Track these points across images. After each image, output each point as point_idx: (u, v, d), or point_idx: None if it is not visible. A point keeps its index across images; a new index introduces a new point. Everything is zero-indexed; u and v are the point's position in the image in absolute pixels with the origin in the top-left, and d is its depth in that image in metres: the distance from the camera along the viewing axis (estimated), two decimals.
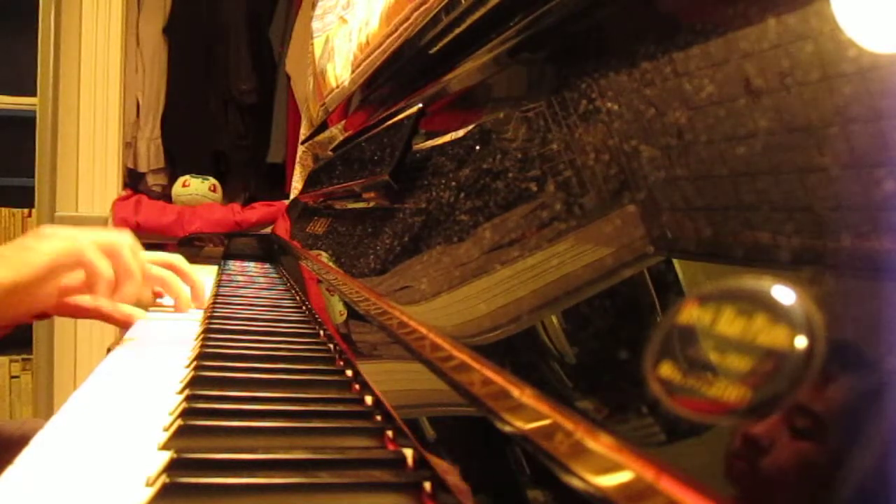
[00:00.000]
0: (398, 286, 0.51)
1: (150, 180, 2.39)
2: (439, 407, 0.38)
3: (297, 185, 1.81)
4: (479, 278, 0.39)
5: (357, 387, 0.49)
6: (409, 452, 0.36)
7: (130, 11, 2.27)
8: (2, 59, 2.35)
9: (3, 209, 2.36)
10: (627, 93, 0.32)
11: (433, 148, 0.60)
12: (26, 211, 2.32)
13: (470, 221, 0.43)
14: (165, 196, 2.37)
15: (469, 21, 0.58)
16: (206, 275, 1.10)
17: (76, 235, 0.62)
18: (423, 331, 0.41)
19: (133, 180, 2.38)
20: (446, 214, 0.48)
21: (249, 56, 2.42)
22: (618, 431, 0.23)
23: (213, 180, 2.35)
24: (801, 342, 0.18)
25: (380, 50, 0.96)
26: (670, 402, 0.21)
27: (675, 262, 0.25)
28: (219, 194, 2.36)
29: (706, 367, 0.20)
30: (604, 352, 0.27)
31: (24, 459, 0.34)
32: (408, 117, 0.69)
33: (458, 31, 0.61)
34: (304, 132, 1.79)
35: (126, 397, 0.47)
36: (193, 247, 1.50)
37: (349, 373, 0.52)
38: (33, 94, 2.10)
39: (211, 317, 0.69)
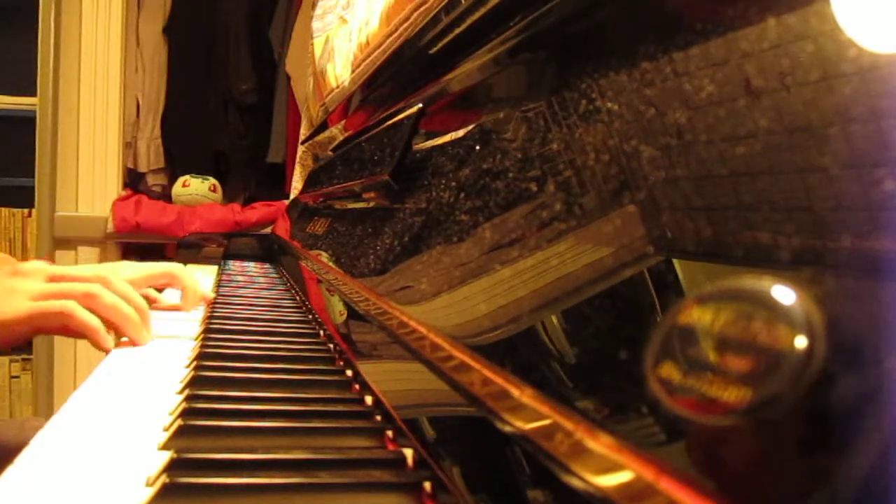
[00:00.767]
0: (398, 286, 0.51)
1: (150, 180, 2.39)
2: (439, 407, 0.38)
3: (297, 185, 1.81)
4: (479, 278, 0.39)
5: (357, 387, 0.49)
6: (409, 452, 0.36)
7: (130, 11, 2.26)
8: (2, 59, 2.35)
9: (3, 209, 2.36)
10: (627, 93, 0.32)
11: (433, 148, 0.60)
12: (26, 211, 2.32)
13: (470, 221, 0.43)
14: (165, 196, 2.37)
15: (469, 21, 0.58)
16: (206, 275, 1.10)
17: (54, 286, 0.59)
18: (423, 331, 0.41)
19: (133, 180, 2.38)
20: (446, 214, 0.48)
21: (249, 56, 2.42)
22: (618, 431, 0.23)
23: (213, 180, 2.35)
24: (801, 342, 0.18)
25: (380, 50, 0.96)
26: (670, 402, 0.21)
27: (675, 262, 0.25)
28: (219, 194, 2.36)
29: (706, 367, 0.20)
30: (604, 352, 0.27)
31: (24, 459, 0.34)
32: (408, 117, 0.69)
33: (458, 31, 0.61)
34: (304, 132, 1.79)
35: (126, 397, 0.47)
36: (193, 247, 1.50)
37: (349, 373, 0.52)
38: (33, 94, 2.10)
39: (211, 317, 0.69)
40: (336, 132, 1.30)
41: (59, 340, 2.08)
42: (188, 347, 0.60)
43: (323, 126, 1.40)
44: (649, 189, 0.28)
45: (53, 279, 0.60)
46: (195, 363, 0.51)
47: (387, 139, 0.75)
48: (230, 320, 0.69)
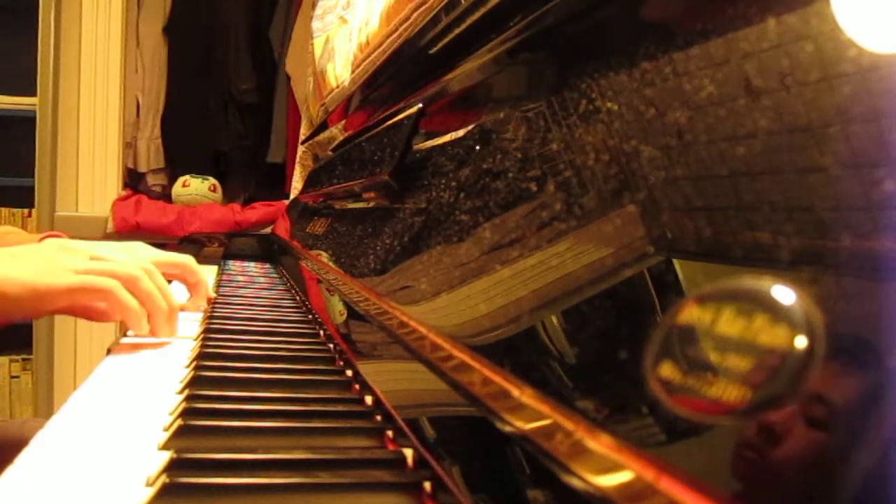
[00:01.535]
0: (398, 286, 0.51)
1: (150, 180, 2.39)
2: (439, 407, 0.38)
3: (297, 185, 1.81)
4: (478, 278, 0.39)
5: (357, 387, 0.49)
6: (409, 452, 0.36)
7: (130, 11, 2.26)
8: (2, 59, 2.35)
9: (3, 209, 2.36)
10: (627, 93, 0.32)
11: (433, 148, 0.60)
12: (26, 211, 2.32)
13: (470, 221, 0.43)
14: (165, 196, 2.37)
15: (469, 21, 0.58)
16: (206, 275, 1.10)
17: (99, 264, 0.60)
18: (423, 331, 0.41)
19: (133, 180, 2.38)
20: (446, 214, 0.48)
21: (249, 56, 2.42)
22: (618, 431, 0.23)
23: (213, 180, 2.35)
24: (801, 342, 0.18)
25: (380, 50, 0.96)
26: (670, 402, 0.21)
27: (675, 262, 0.25)
28: (219, 194, 2.36)
29: (706, 367, 0.20)
30: (604, 352, 0.27)
31: (24, 459, 0.34)
32: (408, 117, 0.69)
33: (458, 31, 0.61)
34: (304, 132, 1.79)
35: (126, 397, 0.47)
36: (193, 247, 1.50)
37: (349, 373, 0.52)
38: (33, 94, 2.10)
39: (211, 317, 0.69)
40: (336, 132, 1.30)
41: (58, 340, 2.09)
42: (188, 347, 0.60)
43: (323, 126, 1.40)
44: (649, 189, 0.28)
45: (96, 259, 0.62)
46: (195, 363, 0.51)
47: (387, 139, 0.75)
48: (230, 320, 0.69)
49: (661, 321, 0.23)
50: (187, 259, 0.78)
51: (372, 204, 0.75)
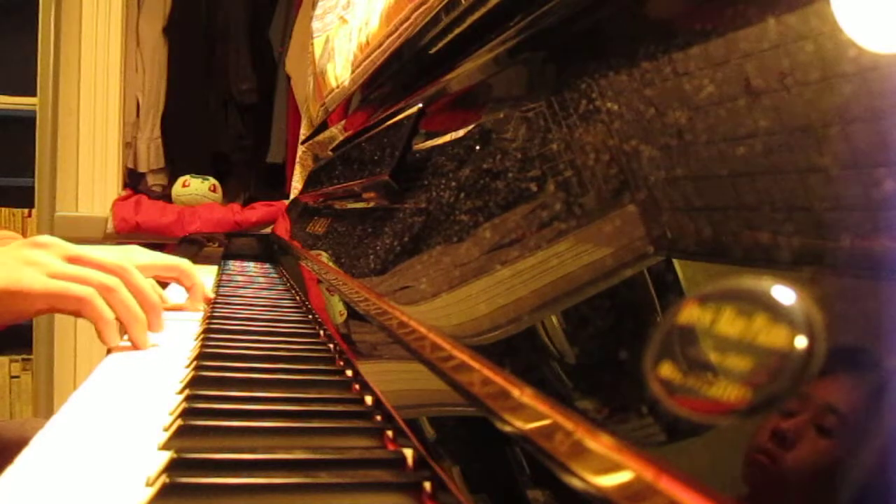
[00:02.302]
0: (398, 286, 0.51)
1: (150, 180, 2.39)
2: (439, 407, 0.38)
3: (297, 185, 1.81)
4: (478, 278, 0.39)
5: (357, 387, 0.49)
6: (409, 452, 0.36)
7: (130, 11, 2.26)
8: (2, 59, 2.35)
9: (3, 209, 2.36)
10: (627, 93, 0.32)
11: (433, 148, 0.60)
12: (26, 211, 2.32)
13: (470, 221, 0.43)
14: (165, 196, 2.37)
15: (469, 21, 0.58)
16: (206, 275, 1.10)
17: (75, 269, 0.58)
18: (423, 331, 0.41)
19: (133, 180, 2.38)
20: (446, 214, 0.48)
21: (249, 56, 2.42)
22: (618, 431, 0.23)
23: (213, 180, 2.35)
24: (801, 342, 0.18)
25: (380, 50, 0.96)
26: (670, 402, 0.21)
27: (675, 262, 0.25)
28: (219, 194, 2.36)
29: (706, 367, 0.20)
30: (604, 352, 0.27)
31: (24, 459, 0.34)
32: (408, 117, 0.69)
33: (458, 31, 0.61)
34: (304, 132, 1.79)
35: (126, 397, 0.47)
36: (193, 247, 1.50)
37: (349, 373, 0.52)
38: (33, 94, 2.10)
39: (211, 317, 0.69)
40: (336, 132, 1.30)
41: (58, 340, 2.09)
42: (188, 347, 0.60)
43: (323, 126, 1.40)
44: (649, 189, 0.28)
45: (72, 260, 0.59)
46: (195, 363, 0.51)
47: (387, 139, 0.75)
48: (230, 320, 0.69)
49: (661, 321, 0.23)
50: (182, 262, 0.78)
51: (372, 204, 0.75)
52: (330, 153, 1.36)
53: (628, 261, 0.27)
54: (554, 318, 0.31)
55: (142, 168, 2.36)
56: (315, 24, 1.50)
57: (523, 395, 0.28)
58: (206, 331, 0.62)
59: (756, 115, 0.24)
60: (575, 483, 0.23)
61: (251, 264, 1.30)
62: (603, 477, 0.22)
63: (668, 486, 0.19)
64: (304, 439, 0.39)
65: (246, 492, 0.32)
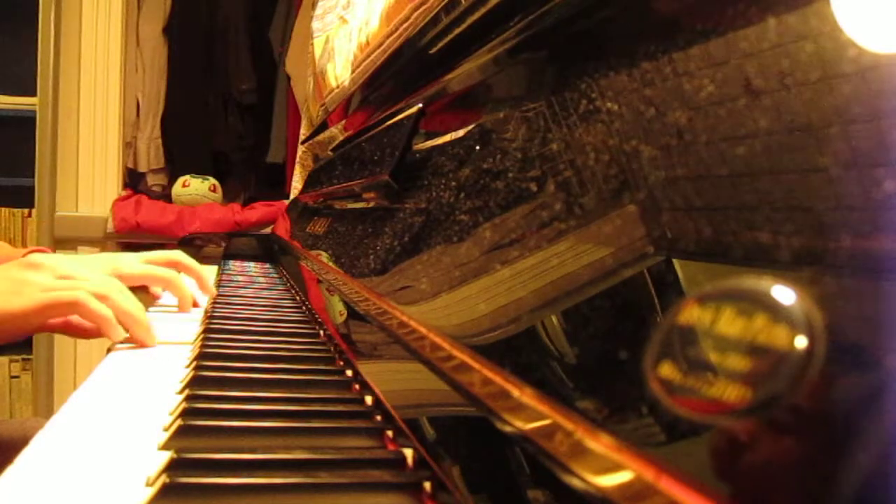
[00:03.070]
0: (398, 286, 0.51)
1: (150, 180, 2.39)
2: (439, 407, 0.38)
3: (297, 185, 1.81)
4: (479, 278, 0.39)
5: (357, 387, 0.49)
6: (409, 452, 0.36)
7: (130, 11, 2.26)
8: (2, 59, 2.35)
9: (3, 209, 2.35)
10: (627, 93, 0.32)
11: (433, 148, 0.60)
12: (26, 211, 2.32)
13: (470, 221, 0.43)
14: (165, 196, 2.37)
15: (469, 21, 0.58)
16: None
17: (70, 281, 0.60)
18: (423, 331, 0.41)
19: (133, 180, 2.38)
20: (446, 214, 0.48)
21: (249, 56, 2.42)
22: (618, 431, 0.23)
23: (213, 180, 2.35)
24: (801, 342, 0.18)
25: (380, 50, 0.96)
26: (670, 402, 0.21)
27: (675, 262, 0.25)
28: (219, 194, 2.36)
29: (706, 367, 0.20)
30: (604, 352, 0.27)
31: (24, 459, 0.34)
32: (408, 117, 0.69)
33: (458, 31, 0.61)
34: (304, 132, 1.79)
35: (126, 397, 0.47)
36: (193, 247, 1.50)
37: (349, 373, 0.52)
38: (33, 94, 2.10)
39: (211, 317, 0.69)
40: (336, 132, 1.30)
41: (58, 340, 2.08)
42: (188, 347, 0.60)
43: (323, 126, 1.40)
44: (649, 189, 0.28)
45: (64, 279, 0.61)
46: (195, 363, 0.51)
47: (387, 139, 0.75)
48: (230, 320, 0.69)
49: (661, 321, 0.23)
50: (173, 255, 0.79)
51: (372, 204, 0.75)
52: (330, 153, 1.36)
53: (628, 261, 0.27)
54: (554, 318, 0.31)
55: (142, 168, 2.36)
56: (315, 24, 1.50)
57: (523, 395, 0.28)
58: (206, 331, 0.62)
59: (756, 115, 0.24)
60: (575, 483, 0.23)
61: (251, 264, 1.30)
62: (603, 477, 0.22)
63: (668, 486, 0.19)
64: (304, 439, 0.39)
65: (246, 492, 0.32)
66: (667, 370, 0.21)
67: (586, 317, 0.29)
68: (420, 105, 0.68)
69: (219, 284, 0.95)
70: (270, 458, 0.35)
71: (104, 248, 2.16)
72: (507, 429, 0.28)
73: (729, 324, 0.20)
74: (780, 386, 0.18)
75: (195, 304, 0.81)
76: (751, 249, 0.22)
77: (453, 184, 0.49)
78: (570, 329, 0.29)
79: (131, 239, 2.18)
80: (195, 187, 2.30)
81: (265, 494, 0.32)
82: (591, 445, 0.23)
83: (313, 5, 1.62)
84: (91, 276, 0.63)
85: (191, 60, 2.37)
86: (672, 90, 0.29)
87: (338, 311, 0.65)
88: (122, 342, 0.62)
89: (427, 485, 0.33)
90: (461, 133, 0.53)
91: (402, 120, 0.73)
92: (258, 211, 2.27)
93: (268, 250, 1.46)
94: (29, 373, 2.21)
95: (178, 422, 0.38)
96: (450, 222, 0.46)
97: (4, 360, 2.24)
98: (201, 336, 0.61)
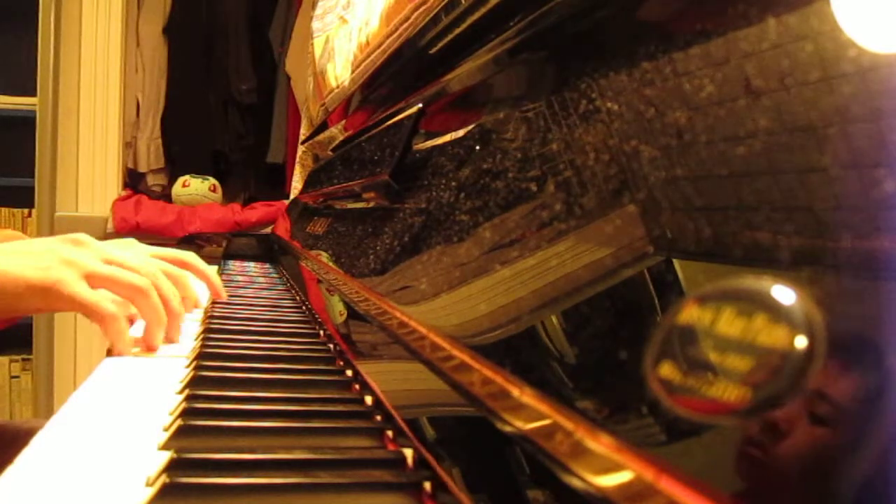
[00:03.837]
0: (398, 286, 0.51)
1: (150, 180, 2.39)
2: (439, 407, 0.38)
3: (297, 185, 1.81)
4: (478, 278, 0.39)
5: (357, 387, 0.49)
6: (409, 452, 0.36)
7: (130, 11, 2.26)
8: (2, 59, 2.35)
9: (3, 209, 2.36)
10: (627, 93, 0.32)
11: (433, 148, 0.60)
12: (26, 211, 2.32)
13: (470, 221, 0.43)
14: (165, 196, 2.37)
15: (469, 21, 0.58)
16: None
17: (110, 271, 0.60)
18: (423, 331, 0.41)
19: (133, 180, 2.38)
20: (446, 214, 0.48)
21: (249, 56, 2.42)
22: (618, 431, 0.23)
23: (213, 180, 2.35)
24: (800, 342, 0.18)
25: (380, 50, 0.96)
26: (670, 402, 0.21)
27: (675, 262, 0.25)
28: (219, 194, 2.36)
29: (706, 367, 0.20)
30: (604, 352, 0.27)
31: (24, 459, 0.34)
32: (408, 117, 0.69)
33: (458, 31, 0.61)
34: (304, 132, 1.79)
35: (126, 397, 0.47)
36: (193, 247, 1.50)
37: (349, 373, 0.52)
38: (33, 94, 2.10)
39: (211, 317, 0.69)
40: (336, 132, 1.30)
41: (58, 340, 2.09)
42: (188, 347, 0.60)
43: (323, 126, 1.40)
44: (649, 189, 0.28)
45: (109, 263, 0.61)
46: (195, 363, 0.51)
47: (387, 139, 0.75)
48: (230, 320, 0.69)
49: (661, 321, 0.23)
50: (178, 271, 0.79)
51: (372, 204, 0.75)
52: (330, 153, 1.36)
53: (628, 261, 0.27)
54: (554, 319, 0.31)
55: (142, 168, 2.36)
56: (315, 24, 1.50)
57: (523, 395, 0.28)
58: (206, 330, 0.62)
59: (756, 115, 0.24)
60: (575, 483, 0.23)
61: (251, 264, 1.30)
62: (603, 477, 0.22)
63: (668, 486, 0.19)
64: (304, 439, 0.39)
65: (246, 492, 0.32)
66: (667, 370, 0.21)
67: (586, 317, 0.29)
68: (420, 105, 0.68)
69: None
70: (270, 458, 0.35)
71: None
72: (507, 429, 0.28)
73: (729, 324, 0.20)
74: (780, 386, 0.18)
75: (196, 305, 0.81)
76: (751, 249, 0.22)
77: (453, 184, 0.49)
78: (570, 329, 0.29)
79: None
80: (195, 187, 2.30)
81: (265, 494, 0.32)
82: (591, 445, 0.23)
83: (313, 5, 1.62)
84: (138, 266, 0.62)
85: (191, 60, 2.37)
86: (672, 90, 0.29)
87: (338, 311, 0.65)
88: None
89: (427, 485, 0.33)
90: (461, 133, 0.53)
91: (401, 120, 0.73)
92: (258, 211, 2.27)
93: (268, 250, 1.46)
94: (29, 373, 2.21)
95: (178, 422, 0.38)
96: (450, 222, 0.46)
97: (4, 360, 2.24)
98: (201, 336, 0.61)
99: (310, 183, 1.46)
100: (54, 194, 2.10)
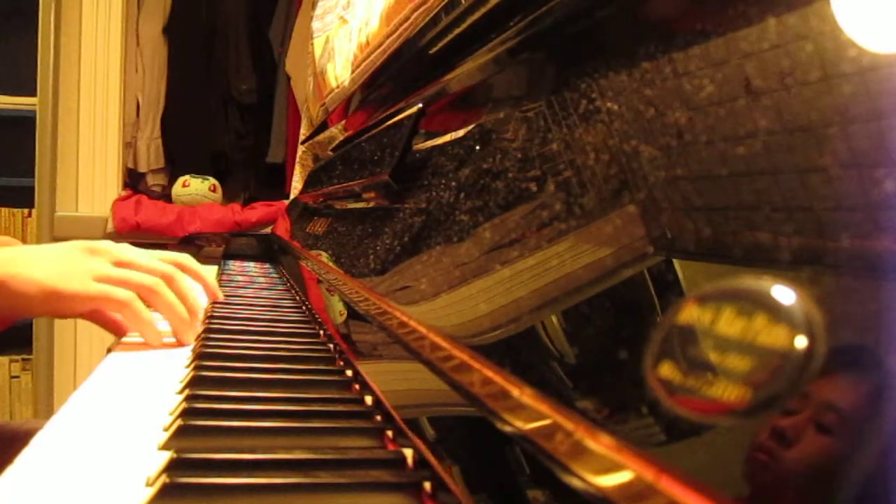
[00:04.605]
0: (398, 286, 0.51)
1: (150, 180, 2.39)
2: (439, 407, 0.38)
3: (297, 185, 1.81)
4: (478, 278, 0.39)
5: (357, 387, 0.49)
6: (409, 452, 0.36)
7: (130, 11, 2.26)
8: (2, 59, 2.35)
9: (3, 209, 2.35)
10: (627, 93, 0.32)
11: (433, 148, 0.60)
12: (26, 211, 2.32)
13: (470, 221, 0.43)
14: (165, 196, 2.37)
15: (469, 21, 0.58)
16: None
17: (122, 272, 0.61)
18: (423, 331, 0.41)
19: (133, 180, 2.38)
20: (446, 214, 0.48)
21: (249, 56, 2.42)
22: (618, 431, 0.23)
23: (213, 180, 2.35)
24: (800, 342, 0.18)
25: (380, 50, 0.96)
26: (670, 402, 0.21)
27: (675, 262, 0.25)
28: (219, 194, 2.36)
29: (706, 367, 0.20)
30: (604, 352, 0.27)
31: (25, 459, 0.34)
32: (408, 117, 0.69)
33: (458, 31, 0.61)
34: (304, 132, 1.79)
35: (126, 397, 0.47)
36: (193, 247, 1.50)
37: (349, 373, 0.52)
38: (33, 94, 2.10)
39: (211, 317, 0.69)
40: (336, 132, 1.30)
41: (58, 340, 2.09)
42: (188, 347, 0.60)
43: (323, 126, 1.40)
44: (649, 189, 0.28)
45: (120, 265, 0.63)
46: (195, 363, 0.51)
47: (387, 139, 0.75)
48: (230, 320, 0.69)
49: (661, 321, 0.23)
50: (172, 271, 0.80)
51: (372, 204, 0.75)
52: (330, 153, 1.36)
53: (628, 261, 0.27)
54: (554, 318, 0.31)
55: (142, 168, 2.36)
56: (315, 24, 1.50)
57: (523, 395, 0.28)
58: (206, 331, 0.62)
59: (756, 115, 0.24)
60: (575, 483, 0.23)
61: (251, 264, 1.30)
62: (603, 477, 0.22)
63: (668, 486, 0.19)
64: (304, 439, 0.39)
65: (246, 492, 0.32)
66: (667, 370, 0.21)
67: (586, 317, 0.29)
68: (420, 105, 0.68)
69: (219, 284, 0.95)
70: (270, 458, 0.35)
71: None
72: (507, 429, 0.28)
73: (729, 324, 0.20)
74: (780, 386, 0.18)
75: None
76: (751, 249, 0.22)
77: (453, 184, 0.49)
78: (570, 329, 0.29)
79: (131, 239, 2.18)
80: (195, 187, 2.30)
81: (265, 494, 0.32)
82: (591, 445, 0.23)
83: (313, 5, 1.62)
84: (150, 266, 0.64)
85: (191, 60, 2.37)
86: (672, 90, 0.29)
87: (338, 311, 0.66)
88: (126, 343, 0.62)
89: (427, 485, 0.33)
90: (461, 133, 0.53)
91: (401, 120, 0.73)
92: (258, 211, 2.27)
93: (268, 250, 1.46)
94: (29, 373, 2.21)
95: (178, 422, 0.38)
96: (450, 222, 0.46)
97: (4, 360, 2.24)
98: (201, 336, 0.61)
99: (310, 183, 1.46)
100: (54, 194, 2.10)
